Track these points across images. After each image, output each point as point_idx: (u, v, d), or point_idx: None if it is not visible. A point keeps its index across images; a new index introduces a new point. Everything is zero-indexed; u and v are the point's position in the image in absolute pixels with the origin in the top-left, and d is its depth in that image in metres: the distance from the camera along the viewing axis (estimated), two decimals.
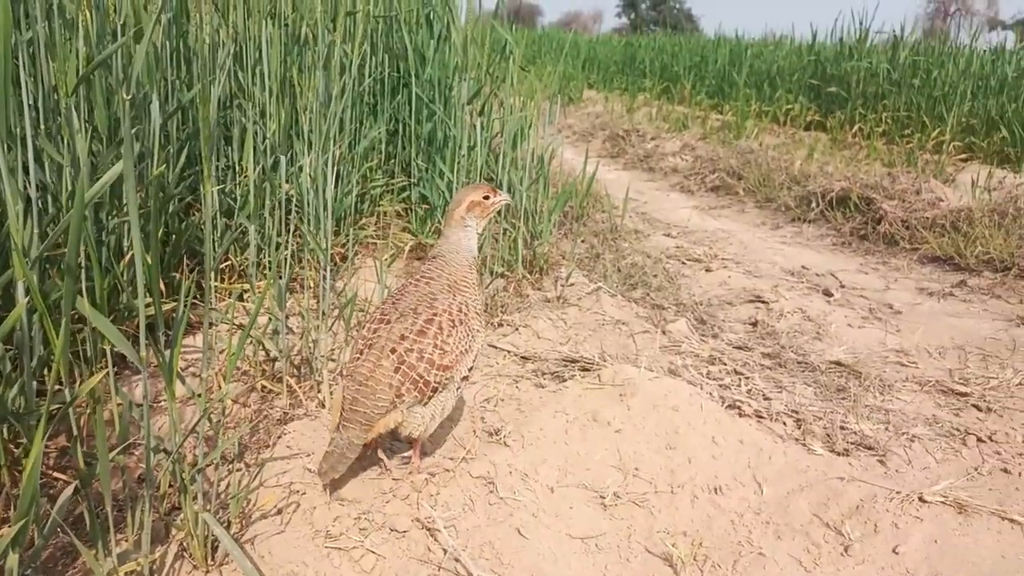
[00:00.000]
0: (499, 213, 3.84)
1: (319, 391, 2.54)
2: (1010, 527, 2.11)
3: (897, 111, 8.68)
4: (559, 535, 2.02)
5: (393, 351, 1.99)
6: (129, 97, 1.46)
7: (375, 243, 3.89)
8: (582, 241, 4.68)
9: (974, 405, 2.81)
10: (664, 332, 3.38)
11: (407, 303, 2.07)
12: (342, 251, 3.55)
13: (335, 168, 3.29)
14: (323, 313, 2.83)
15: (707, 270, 4.36)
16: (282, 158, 2.78)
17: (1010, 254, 4.33)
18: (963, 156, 7.45)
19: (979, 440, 2.57)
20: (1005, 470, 2.40)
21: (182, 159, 2.88)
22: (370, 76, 4.06)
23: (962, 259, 4.46)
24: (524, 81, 4.91)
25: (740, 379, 2.93)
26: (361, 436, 2.00)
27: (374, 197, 4.12)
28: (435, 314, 2.04)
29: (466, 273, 2.13)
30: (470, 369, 2.11)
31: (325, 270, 2.85)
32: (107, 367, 1.84)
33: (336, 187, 3.53)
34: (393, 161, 4.35)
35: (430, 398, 2.04)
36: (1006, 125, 7.41)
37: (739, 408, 2.67)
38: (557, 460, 2.29)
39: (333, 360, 2.76)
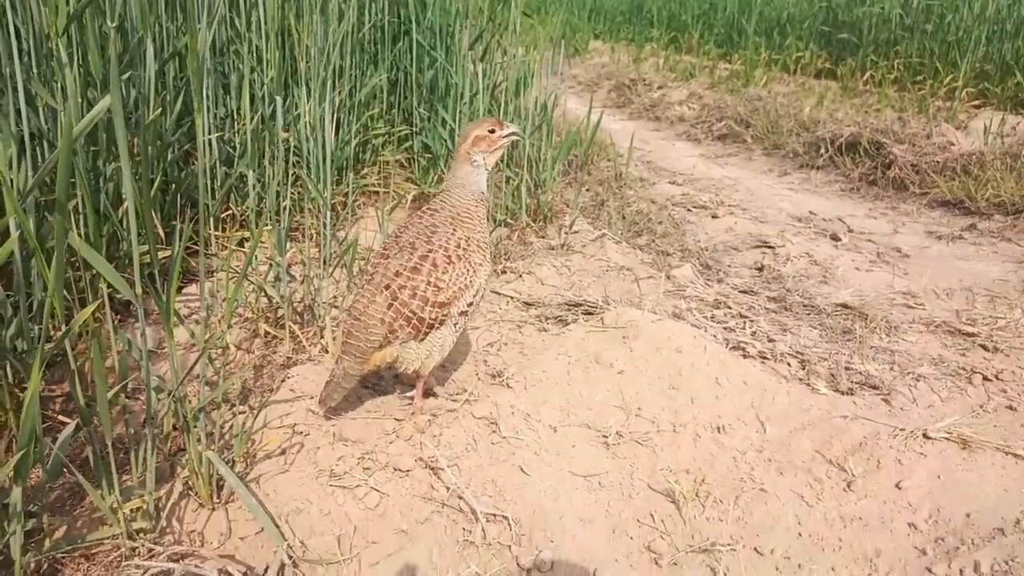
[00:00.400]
0: (506, 154, 3.79)
1: (322, 336, 2.54)
2: (1014, 462, 2.10)
3: (909, 57, 8.48)
4: (561, 473, 2.02)
5: (387, 287, 2.00)
6: (115, 24, 1.42)
7: (377, 192, 3.85)
8: (587, 189, 4.63)
9: (981, 345, 2.79)
10: (669, 277, 3.35)
11: (407, 238, 2.06)
12: (343, 200, 3.53)
13: (334, 116, 3.24)
14: (324, 260, 2.82)
15: (713, 217, 4.32)
16: (279, 105, 2.73)
17: (1022, 196, 4.26)
18: (976, 103, 7.29)
19: (985, 379, 2.55)
20: (1010, 407, 2.39)
21: (178, 105, 2.84)
22: (370, 23, 3.98)
23: (972, 203, 4.39)
24: (528, 29, 4.81)
25: (745, 322, 2.91)
26: (356, 368, 2.03)
27: (376, 146, 4.08)
28: (431, 250, 2.02)
29: (470, 207, 2.09)
30: (470, 304, 2.09)
31: (326, 218, 2.83)
32: (104, 307, 1.84)
33: (336, 135, 3.48)
34: (395, 110, 4.29)
35: (426, 334, 2.04)
36: (1021, 70, 7.24)
37: (743, 350, 2.66)
38: (559, 401, 2.29)
39: (336, 307, 2.75)
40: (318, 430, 2.08)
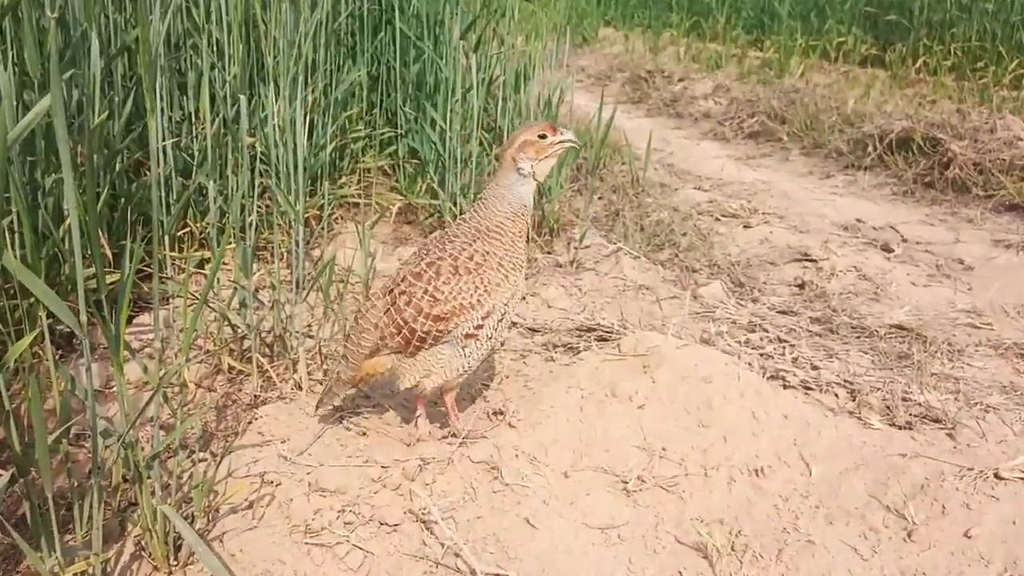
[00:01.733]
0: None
1: (295, 371, 2.55)
2: None
3: (968, 41, 8.56)
4: (574, 525, 2.02)
5: (390, 291, 2.12)
6: (56, 15, 1.44)
7: (357, 204, 3.88)
8: (599, 197, 4.66)
9: None
10: (695, 297, 3.37)
11: (431, 244, 2.16)
12: (318, 213, 3.55)
13: (307, 117, 3.28)
14: (297, 283, 2.84)
15: (745, 226, 4.34)
16: (243, 105, 2.76)
17: None
18: None
19: None
20: None
21: (128, 108, 2.87)
22: (347, 11, 4.03)
23: None
24: (528, 16, 4.87)
25: (784, 347, 2.92)
26: (347, 374, 2.19)
27: (355, 151, 4.11)
28: (439, 258, 2.09)
29: (503, 220, 2.12)
30: (478, 327, 2.11)
31: (298, 235, 2.85)
32: (44, 340, 1.85)
33: (309, 139, 3.52)
34: (376, 110, 4.34)
35: (417, 349, 2.11)
36: None
37: (783, 379, 2.67)
38: (571, 441, 2.29)
39: (310, 336, 2.77)
40: (291, 479, 2.08)
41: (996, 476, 2.15)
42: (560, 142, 2.15)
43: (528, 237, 2.19)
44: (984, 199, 4.74)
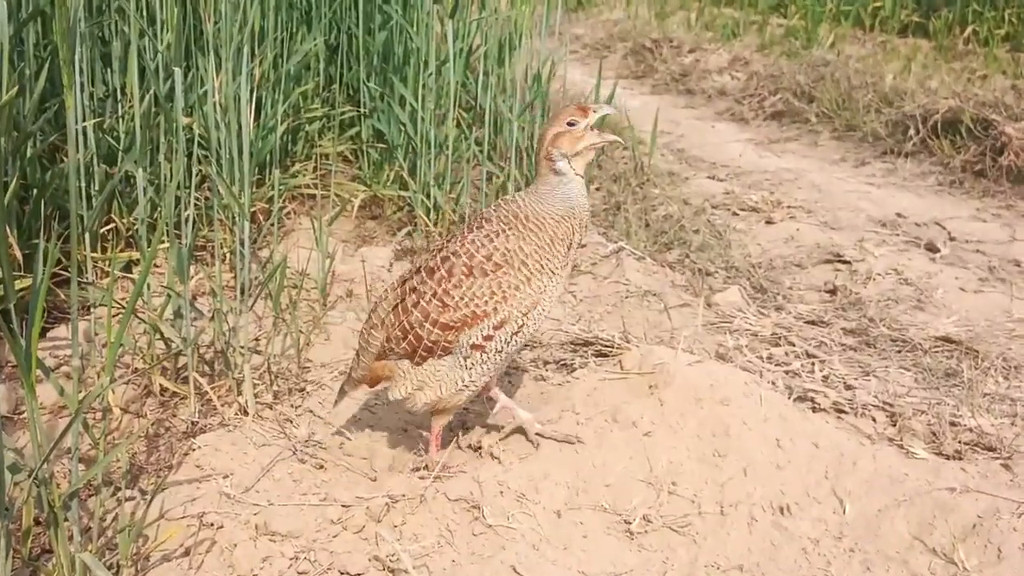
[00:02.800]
0: (487, 143, 3.83)
1: (239, 393, 2.54)
2: None
3: None
4: (569, 573, 2.02)
5: (404, 282, 2.22)
6: None
7: (313, 196, 3.87)
8: (596, 188, 4.67)
9: None
10: (709, 304, 3.37)
11: (470, 223, 2.22)
12: (267, 207, 3.54)
13: (254, 94, 3.27)
14: (242, 289, 2.82)
15: (768, 222, 4.36)
16: (179, 80, 2.75)
17: None
18: None
19: None
20: None
21: (41, 83, 2.85)
22: None
23: None
24: None
25: (813, 363, 2.93)
26: (358, 372, 2.32)
27: (310, 134, 4.10)
28: (454, 253, 2.12)
29: (543, 215, 2.12)
30: (487, 338, 2.12)
31: (243, 232, 2.84)
32: None
33: (256, 120, 3.51)
34: (335, 85, 4.33)
35: (424, 359, 2.17)
36: None
37: (812, 400, 2.68)
38: (565, 475, 2.29)
39: (257, 352, 2.75)
40: (235, 520, 2.07)
41: None
42: (594, 119, 2.14)
43: (575, 242, 2.17)
44: None
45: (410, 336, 2.15)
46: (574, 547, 2.10)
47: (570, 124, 2.13)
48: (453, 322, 2.11)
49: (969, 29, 8.80)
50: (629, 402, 2.48)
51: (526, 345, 2.97)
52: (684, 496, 2.26)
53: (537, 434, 2.35)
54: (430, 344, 2.14)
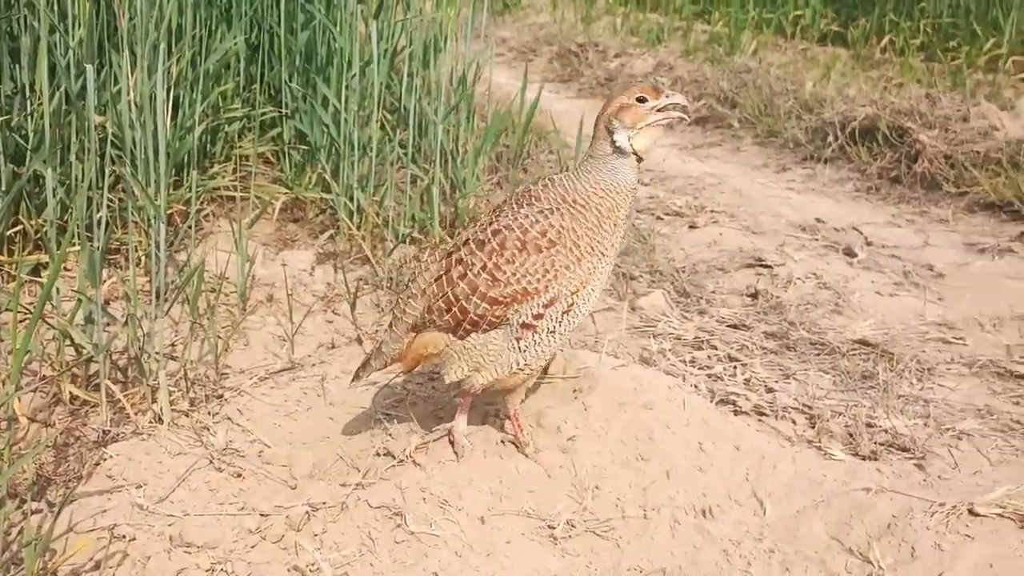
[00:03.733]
0: (412, 144, 3.81)
1: (153, 401, 2.49)
2: None
3: (939, 17, 8.91)
4: None
5: (449, 255, 2.18)
6: None
7: (232, 198, 3.81)
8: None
9: None
10: (633, 308, 3.41)
11: (517, 199, 2.17)
12: (184, 209, 3.47)
13: (170, 93, 3.21)
14: (157, 294, 2.77)
15: (691, 227, 4.42)
16: (91, 77, 2.68)
17: None
18: None
19: None
20: None
21: None
22: None
23: None
24: None
25: (735, 367, 2.98)
26: (390, 347, 2.27)
27: (230, 135, 4.03)
28: (507, 226, 2.09)
29: (594, 193, 2.11)
30: (537, 316, 2.10)
31: (158, 235, 2.78)
32: None
33: (173, 119, 3.44)
34: (256, 85, 4.26)
35: (468, 333, 2.14)
36: None
37: (734, 404, 2.72)
38: (488, 481, 2.29)
39: (173, 358, 2.70)
40: (148, 532, 2.03)
41: (971, 512, 2.22)
42: (664, 107, 2.13)
43: (622, 218, 2.15)
44: (956, 197, 4.93)
45: (455, 309, 2.12)
46: (497, 553, 2.10)
47: (640, 100, 2.11)
48: (503, 297, 2.09)
49: (886, 38, 9.05)
50: (553, 407, 2.49)
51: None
52: (608, 501, 2.28)
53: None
54: (476, 318, 2.11)
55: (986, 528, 2.18)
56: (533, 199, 2.14)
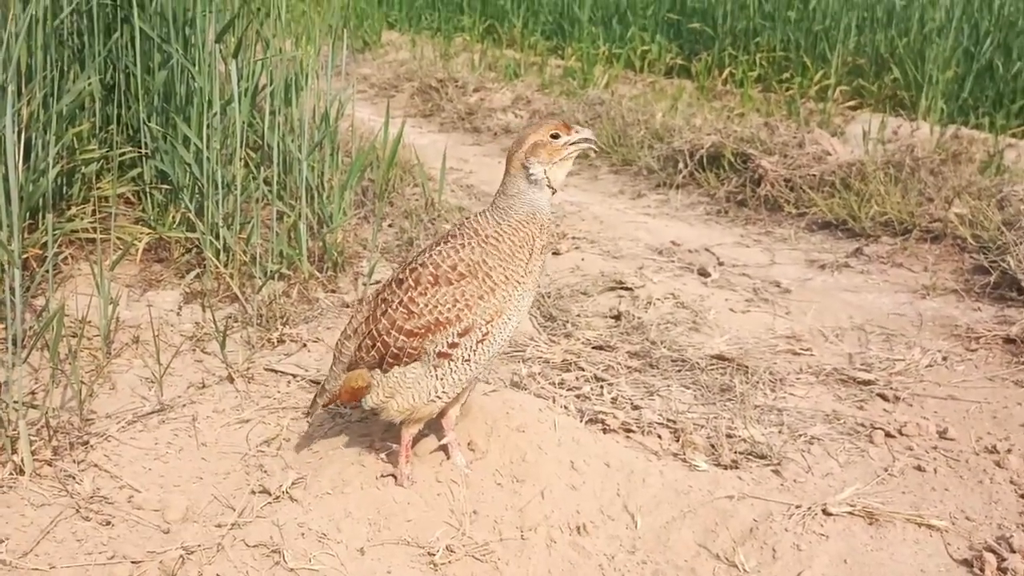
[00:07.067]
0: (277, 182, 3.74)
1: (14, 451, 2.35)
2: (928, 535, 2.32)
3: (773, 51, 9.37)
4: None
5: (378, 294, 2.27)
6: None
7: (93, 240, 3.66)
8: (389, 225, 4.65)
9: (879, 395, 3.07)
10: None
11: (437, 240, 2.27)
12: (40, 253, 3.31)
13: (22, 135, 3.07)
14: (15, 340, 2.63)
15: (555, 253, 4.48)
16: None
17: (910, 213, 4.78)
18: (852, 103, 8.16)
19: (887, 435, 2.82)
20: (919, 467, 2.64)
21: None
22: (71, 5, 3.82)
23: (856, 222, 4.87)
24: (298, 16, 4.82)
25: (602, 386, 3.02)
26: (332, 384, 2.37)
27: (87, 176, 3.88)
28: (422, 264, 2.17)
29: (506, 228, 2.16)
30: (452, 345, 2.15)
31: (14, 280, 2.65)
32: None
33: (26, 162, 3.28)
34: (113, 126, 4.12)
35: (391, 366, 2.20)
36: (897, 64, 8.21)
37: (603, 422, 2.76)
38: (367, 511, 2.26)
39: (34, 407, 2.56)
40: None
41: (824, 512, 2.33)
42: (575, 142, 2.21)
43: (538, 248, 2.20)
44: (797, 217, 5.16)
45: (378, 343, 2.19)
46: None
47: (554, 136, 2.18)
48: (417, 328, 2.15)
49: (726, 71, 9.45)
50: (428, 434, 2.48)
51: (316, 383, 2.92)
52: (485, 524, 2.28)
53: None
54: (396, 351, 2.17)
55: (839, 526, 2.28)
56: (450, 237, 2.24)
